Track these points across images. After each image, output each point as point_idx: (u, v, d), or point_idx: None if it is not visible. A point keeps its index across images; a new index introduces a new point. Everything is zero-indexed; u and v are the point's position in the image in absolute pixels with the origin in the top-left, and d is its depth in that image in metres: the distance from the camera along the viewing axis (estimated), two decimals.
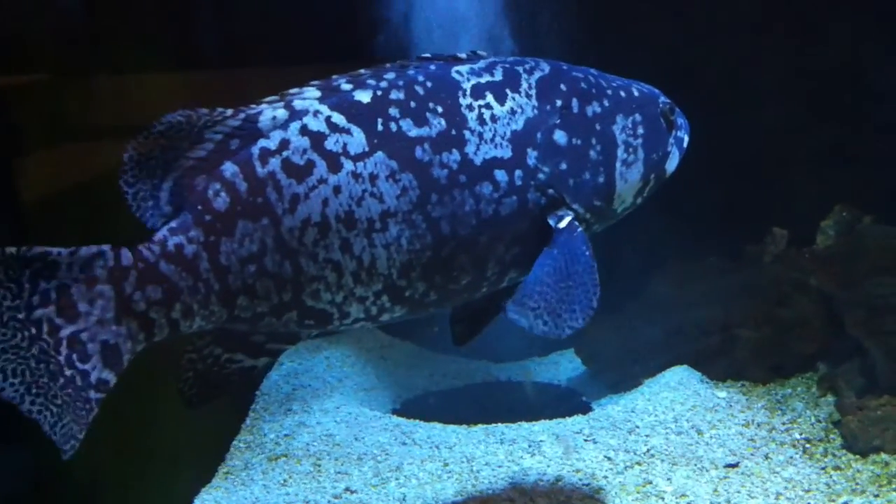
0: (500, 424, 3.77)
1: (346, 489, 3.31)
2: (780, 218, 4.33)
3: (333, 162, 2.24)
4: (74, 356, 2.05)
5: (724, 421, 3.63)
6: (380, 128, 2.28)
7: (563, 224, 2.41)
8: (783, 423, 3.59)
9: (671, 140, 2.64)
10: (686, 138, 2.69)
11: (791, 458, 3.32)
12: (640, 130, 2.56)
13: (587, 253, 2.41)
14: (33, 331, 2.02)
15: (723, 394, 3.88)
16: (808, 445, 3.41)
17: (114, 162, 3.15)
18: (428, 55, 2.46)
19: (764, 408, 3.74)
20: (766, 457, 3.32)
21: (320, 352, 4.68)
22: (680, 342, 4.22)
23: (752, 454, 3.35)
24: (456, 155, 2.31)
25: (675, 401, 3.79)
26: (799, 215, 4.29)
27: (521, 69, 2.47)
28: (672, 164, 2.66)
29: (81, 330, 2.06)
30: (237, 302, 2.22)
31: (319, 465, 3.51)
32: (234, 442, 3.81)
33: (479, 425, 3.79)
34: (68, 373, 2.04)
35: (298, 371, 4.47)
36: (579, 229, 2.44)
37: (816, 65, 4.36)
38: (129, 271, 2.11)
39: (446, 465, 3.43)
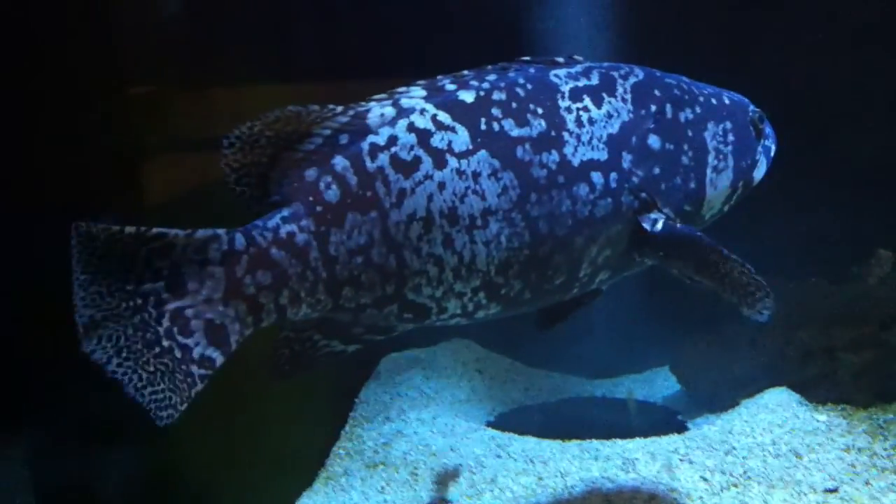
0: (594, 441, 3.79)
1: (442, 499, 3.38)
2: (886, 239, 4.25)
3: (439, 158, 2.30)
4: (175, 329, 2.11)
5: (824, 445, 3.57)
6: (483, 127, 2.33)
7: (659, 226, 2.44)
8: (885, 449, 3.52)
9: (759, 148, 2.66)
10: (773, 147, 2.70)
11: (892, 484, 3.25)
12: (731, 138, 2.58)
13: (706, 239, 2.44)
14: (139, 301, 2.08)
15: (822, 417, 3.82)
16: None
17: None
18: (527, 58, 2.52)
19: (865, 432, 3.68)
20: (867, 482, 3.27)
21: (418, 363, 4.77)
22: (780, 364, 4.16)
23: (851, 479, 3.30)
24: (555, 156, 2.36)
25: (774, 423, 3.75)
26: None
27: (616, 74, 2.52)
28: (760, 173, 2.67)
29: (187, 306, 2.12)
30: (342, 292, 2.27)
31: (416, 475, 3.59)
32: (334, 448, 3.92)
33: (574, 441, 3.81)
34: (166, 343, 2.10)
35: (396, 381, 4.57)
36: (678, 223, 2.47)
37: None
38: (241, 255, 2.17)
39: (541, 479, 3.47)
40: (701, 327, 4.46)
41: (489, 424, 4.25)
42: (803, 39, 4.36)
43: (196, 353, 2.13)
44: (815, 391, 4.02)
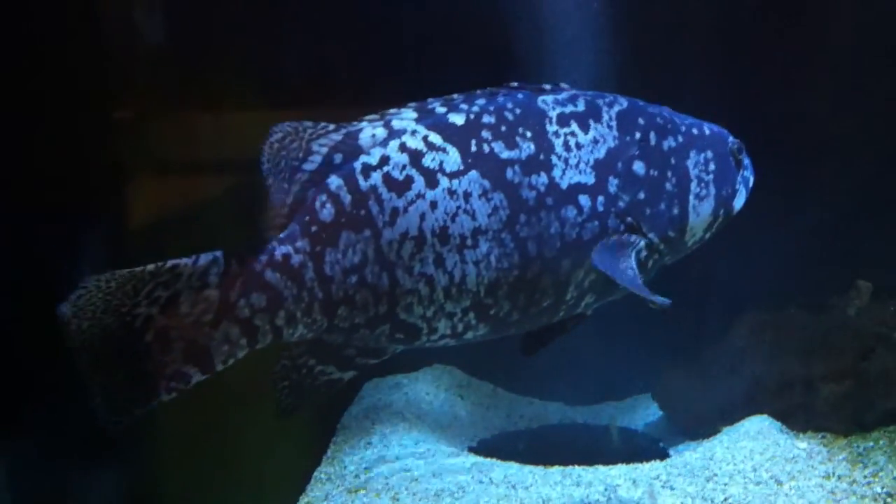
0: (576, 467, 3.79)
1: None
2: (865, 269, 4.29)
3: (431, 178, 2.33)
4: (155, 346, 2.15)
5: (804, 472, 3.59)
6: (473, 148, 2.37)
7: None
8: (864, 477, 3.54)
9: (739, 178, 2.71)
10: (752, 178, 2.76)
11: None
12: (712, 167, 2.63)
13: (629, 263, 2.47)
14: (127, 320, 2.13)
15: (803, 445, 3.84)
16: (889, 500, 3.36)
17: (210, 193, 3.31)
18: (515, 84, 2.56)
19: (845, 460, 3.70)
20: None
21: (400, 388, 4.76)
22: (759, 393, 4.18)
23: None
24: (544, 178, 2.39)
25: (755, 450, 3.77)
26: (885, 267, 4.25)
27: (601, 102, 2.56)
28: (739, 202, 2.72)
29: (173, 327, 2.16)
30: (337, 312, 2.30)
31: (398, 500, 3.57)
32: (315, 473, 3.90)
33: (556, 467, 3.81)
34: (141, 356, 2.14)
35: (378, 406, 4.55)
36: (631, 245, 2.50)
37: None
38: (235, 279, 2.21)
39: None
40: (682, 355, 4.48)
41: (471, 450, 4.25)
42: (792, 65, 4.41)
43: (170, 368, 2.17)
44: (795, 420, 4.05)
